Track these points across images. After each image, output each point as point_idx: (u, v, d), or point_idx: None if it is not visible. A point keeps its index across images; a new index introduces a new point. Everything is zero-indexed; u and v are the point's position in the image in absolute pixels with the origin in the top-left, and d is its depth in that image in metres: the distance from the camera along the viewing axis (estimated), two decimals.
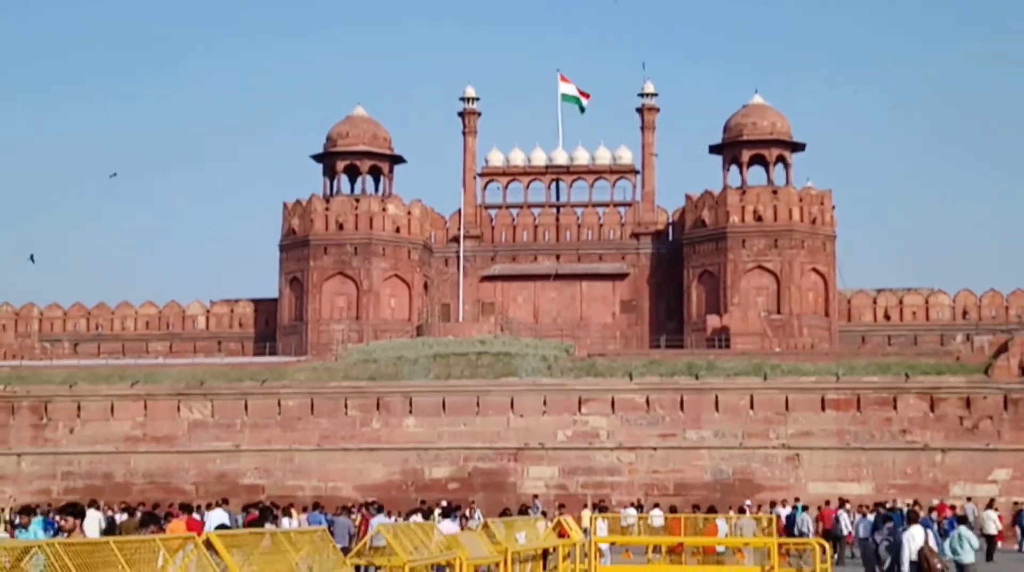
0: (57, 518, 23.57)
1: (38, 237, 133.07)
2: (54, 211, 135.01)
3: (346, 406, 47.20)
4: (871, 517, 31.75)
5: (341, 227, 63.91)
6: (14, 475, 46.89)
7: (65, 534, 13.05)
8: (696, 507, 35.36)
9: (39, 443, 47.34)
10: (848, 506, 34.71)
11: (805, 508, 35.31)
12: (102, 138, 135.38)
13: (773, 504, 39.52)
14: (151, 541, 9.13)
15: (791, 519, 33.88)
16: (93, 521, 31.36)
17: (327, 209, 64.35)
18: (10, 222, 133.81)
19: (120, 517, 32.02)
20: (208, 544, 9.66)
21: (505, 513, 32.49)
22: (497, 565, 17.01)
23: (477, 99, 69.54)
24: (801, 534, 31.11)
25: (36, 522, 24.08)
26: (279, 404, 47.35)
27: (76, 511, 13.01)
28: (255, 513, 29.24)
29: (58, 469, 47.10)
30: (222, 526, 16.20)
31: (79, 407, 47.61)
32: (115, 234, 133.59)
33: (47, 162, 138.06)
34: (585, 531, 26.24)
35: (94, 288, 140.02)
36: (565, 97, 67.98)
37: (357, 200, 64.94)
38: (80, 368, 52.16)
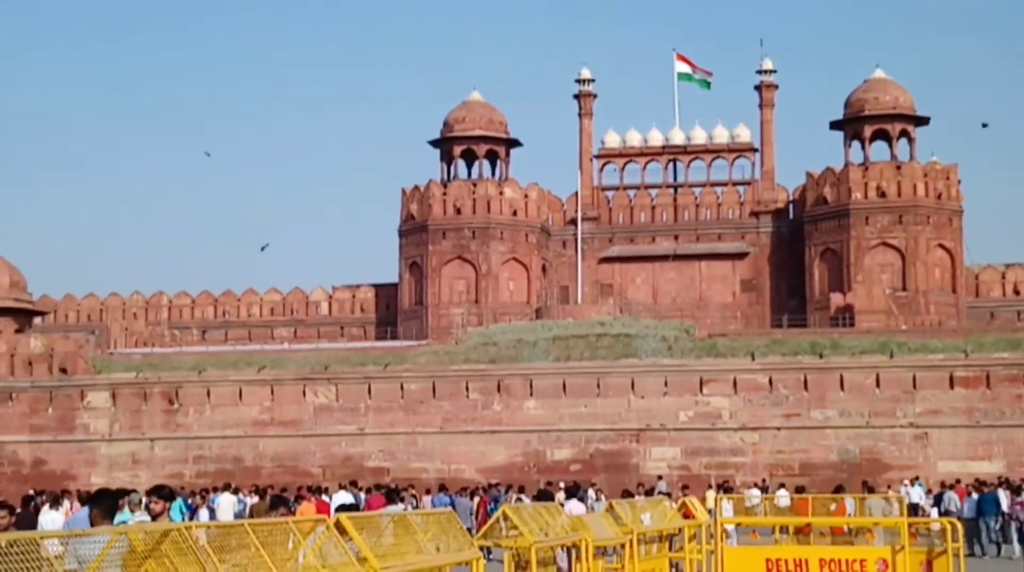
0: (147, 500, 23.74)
1: (164, 227, 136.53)
2: (179, 201, 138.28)
3: (467, 389, 47.53)
4: (975, 496, 31.18)
5: (459, 212, 64.25)
6: (148, 459, 48.15)
7: (152, 517, 13.02)
8: (800, 489, 34.88)
9: (171, 428, 48.51)
10: (1012, 483, 33.86)
11: (948, 486, 34.66)
12: (221, 126, 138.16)
13: (917, 481, 38.74)
14: (284, 523, 9.20)
15: (939, 498, 33.30)
16: (228, 504, 32.21)
17: (445, 194, 64.75)
18: (139, 211, 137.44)
19: (252, 500, 32.75)
20: (339, 526, 9.66)
21: (627, 494, 32.49)
22: (622, 546, 16.90)
23: (592, 81, 69.34)
24: (947, 513, 30.54)
25: (175, 505, 24.76)
26: (402, 388, 47.87)
27: (165, 494, 12.80)
28: (377, 495, 29.74)
29: (190, 453, 48.23)
30: (344, 507, 16.39)
31: (208, 393, 48.64)
32: (239, 222, 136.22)
33: (169, 157, 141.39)
34: (710, 512, 26.10)
35: (220, 276, 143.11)
36: (682, 76, 67.42)
37: (474, 184, 65.23)
38: (208, 354, 53.29)
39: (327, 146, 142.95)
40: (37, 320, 57.99)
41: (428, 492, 36.75)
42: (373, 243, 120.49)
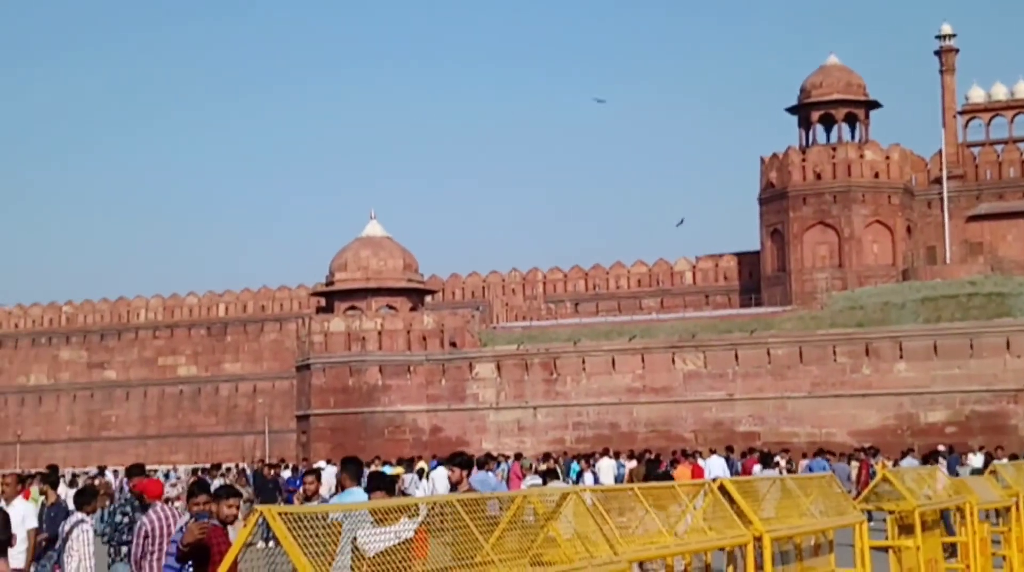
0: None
1: (533, 206, 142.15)
2: (545, 181, 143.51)
3: (834, 353, 48.02)
4: None
5: (819, 177, 64.14)
6: (531, 426, 51.46)
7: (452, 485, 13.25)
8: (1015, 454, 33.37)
9: (551, 396, 51.58)
10: None
11: None
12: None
13: None
14: (669, 488, 9.92)
15: None
16: (608, 468, 34.59)
17: (804, 160, 64.76)
18: (509, 193, 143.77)
19: (630, 464, 34.91)
20: (721, 489, 10.13)
21: (997, 457, 32.19)
22: (1007, 509, 16.79)
23: (954, 36, 67.38)
24: None
25: (572, 468, 27.20)
26: (768, 353, 48.90)
27: (459, 462, 13.28)
28: (752, 459, 31.15)
29: (569, 420, 51.18)
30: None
31: (584, 362, 51.36)
32: (605, 198, 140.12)
33: (526, 141, 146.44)
34: None
35: (588, 250, 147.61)
36: None
37: (834, 149, 64.89)
38: (582, 326, 56.05)
39: (685, 117, 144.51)
40: (428, 298, 62.71)
41: (804, 456, 37.59)
42: (734, 212, 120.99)
